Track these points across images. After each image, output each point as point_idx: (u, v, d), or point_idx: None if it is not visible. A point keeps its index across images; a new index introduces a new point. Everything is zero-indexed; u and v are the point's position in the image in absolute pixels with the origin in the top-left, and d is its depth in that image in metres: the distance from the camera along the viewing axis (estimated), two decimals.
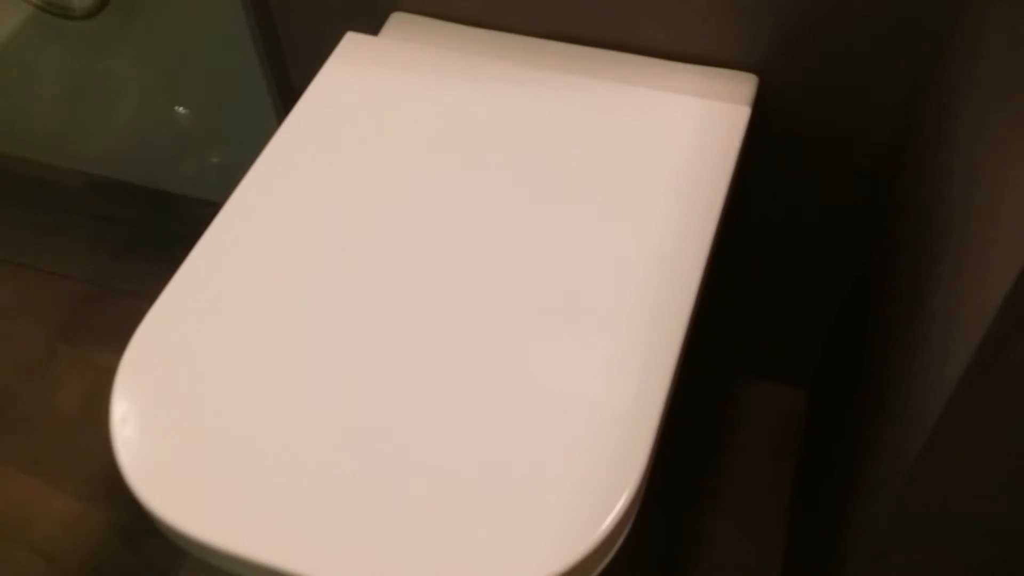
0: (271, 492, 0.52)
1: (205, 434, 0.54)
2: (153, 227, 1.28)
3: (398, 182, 0.66)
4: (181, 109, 1.00)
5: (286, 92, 0.92)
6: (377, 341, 0.58)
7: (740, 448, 1.04)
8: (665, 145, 0.68)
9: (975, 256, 0.45)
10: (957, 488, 0.45)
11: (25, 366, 1.15)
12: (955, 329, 0.44)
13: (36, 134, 1.30)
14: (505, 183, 0.66)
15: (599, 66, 0.76)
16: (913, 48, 0.70)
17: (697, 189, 0.65)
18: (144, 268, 1.23)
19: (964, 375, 0.40)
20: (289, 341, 0.58)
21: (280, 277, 0.61)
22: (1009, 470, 0.43)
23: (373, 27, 0.81)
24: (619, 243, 0.62)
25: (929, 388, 0.47)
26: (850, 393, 0.80)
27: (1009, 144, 0.44)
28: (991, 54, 0.55)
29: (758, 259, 0.93)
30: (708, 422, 1.06)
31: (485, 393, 0.55)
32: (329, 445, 0.53)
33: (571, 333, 0.57)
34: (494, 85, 0.72)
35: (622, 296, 0.59)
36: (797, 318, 0.99)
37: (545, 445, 0.53)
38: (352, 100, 0.71)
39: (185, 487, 0.52)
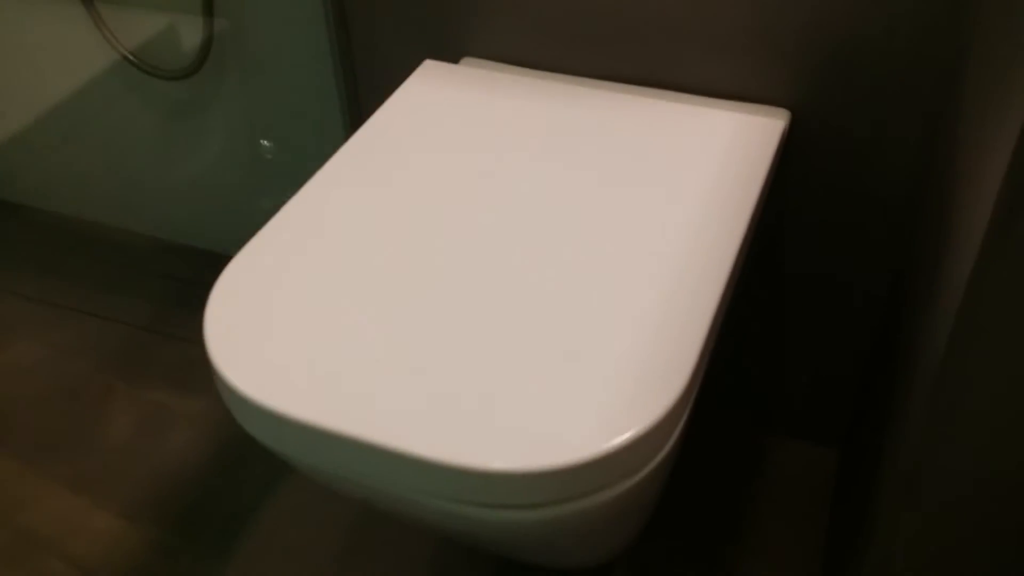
0: (350, 371, 0.56)
1: (288, 325, 0.60)
2: (209, 284, 1.36)
3: (464, 177, 0.74)
4: (265, 143, 1.10)
5: None
6: (447, 273, 0.64)
7: (774, 503, 1.05)
8: (703, 152, 0.76)
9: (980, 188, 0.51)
10: (979, 394, 0.49)
11: (82, 398, 1.20)
12: (970, 226, 0.49)
13: (114, 199, 1.41)
14: (558, 185, 0.73)
15: (643, 97, 0.85)
16: (929, 79, 0.79)
17: (731, 193, 0.72)
18: (199, 318, 1.30)
19: (978, 257, 0.45)
20: (375, 271, 0.64)
21: (359, 232, 0.68)
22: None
23: None
24: (654, 235, 0.68)
25: (949, 300, 0.51)
26: (878, 429, 0.83)
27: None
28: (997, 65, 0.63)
29: (790, 309, 0.98)
30: (741, 480, 1.07)
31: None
32: (403, 331, 0.58)
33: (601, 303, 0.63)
34: (552, 106, 0.81)
35: (656, 276, 0.65)
36: (828, 372, 1.03)
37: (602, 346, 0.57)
38: (427, 108, 0.81)
39: (269, 366, 0.57)
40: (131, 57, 1.17)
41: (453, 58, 0.93)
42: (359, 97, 1.00)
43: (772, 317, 1.01)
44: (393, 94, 0.82)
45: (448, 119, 0.79)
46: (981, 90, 0.66)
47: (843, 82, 0.82)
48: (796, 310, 0.99)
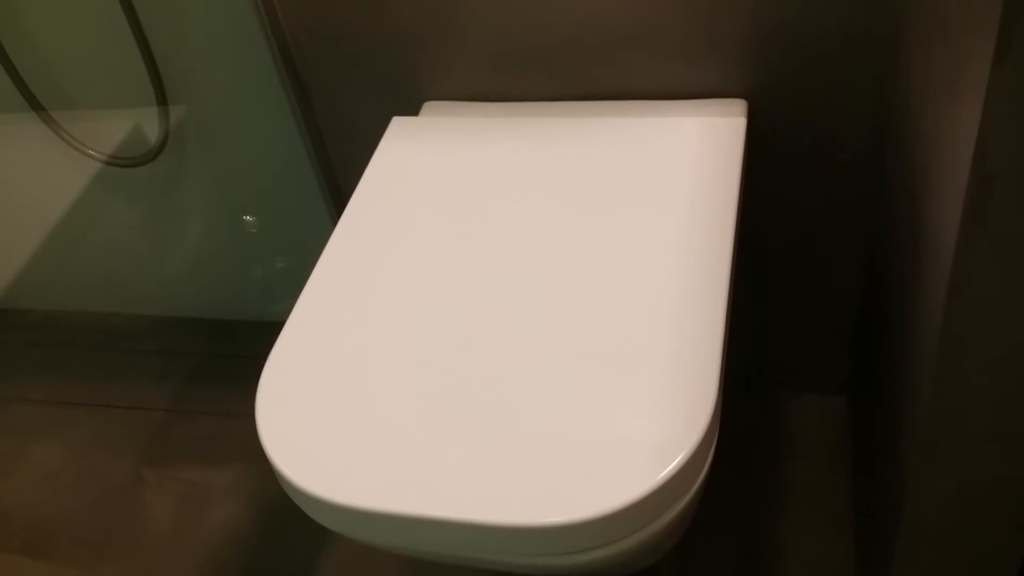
0: (402, 450, 0.60)
1: (338, 418, 0.63)
2: (217, 353, 1.38)
3: (464, 230, 0.77)
4: (248, 218, 1.12)
5: (336, 195, 1.05)
6: (468, 335, 0.67)
7: (795, 458, 1.10)
8: (675, 164, 0.79)
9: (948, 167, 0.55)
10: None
11: (114, 494, 1.22)
12: (946, 205, 0.53)
13: (101, 286, 1.42)
14: (553, 220, 0.76)
15: (607, 112, 0.88)
16: (870, 56, 0.83)
17: (711, 197, 0.76)
18: (214, 390, 1.32)
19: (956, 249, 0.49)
20: (403, 346, 0.67)
21: (383, 301, 0.71)
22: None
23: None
24: (649, 259, 0.71)
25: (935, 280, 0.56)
26: (885, 367, 0.88)
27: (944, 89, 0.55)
28: (928, 42, 0.67)
29: (776, 270, 1.03)
30: (759, 441, 1.12)
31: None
32: (443, 413, 0.62)
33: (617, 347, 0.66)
34: (525, 142, 0.84)
35: (660, 303, 0.68)
36: (822, 325, 1.08)
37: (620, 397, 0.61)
38: (406, 170, 0.83)
39: (328, 460, 0.61)
40: (95, 153, 1.18)
41: (415, 104, 0.96)
42: (330, 158, 1.02)
43: (762, 289, 1.05)
44: (371, 161, 0.85)
45: (429, 176, 0.82)
46: (920, 46, 0.70)
47: (793, 64, 0.86)
48: (783, 279, 1.04)
